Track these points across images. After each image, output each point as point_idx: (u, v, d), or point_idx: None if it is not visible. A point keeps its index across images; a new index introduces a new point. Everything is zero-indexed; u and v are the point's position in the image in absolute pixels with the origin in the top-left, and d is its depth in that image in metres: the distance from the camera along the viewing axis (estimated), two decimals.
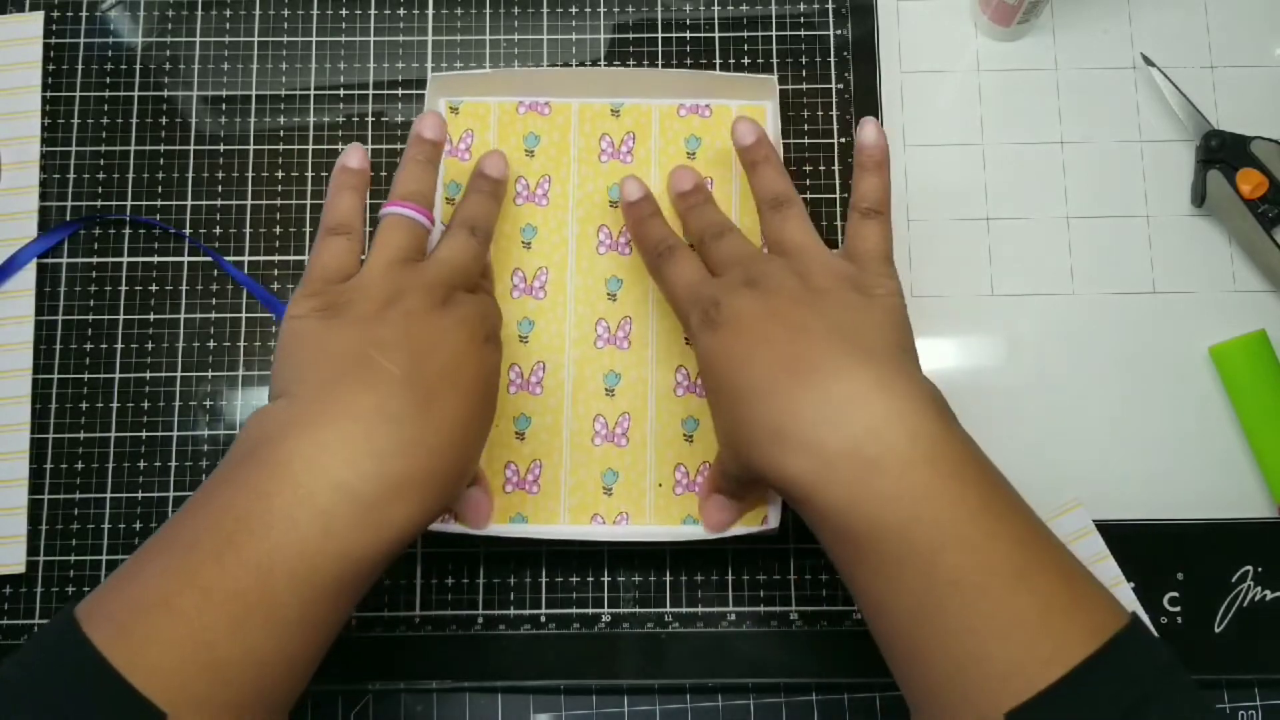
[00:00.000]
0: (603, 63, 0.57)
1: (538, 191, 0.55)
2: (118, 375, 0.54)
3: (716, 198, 0.54)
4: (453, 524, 0.50)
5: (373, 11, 0.58)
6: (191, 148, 0.56)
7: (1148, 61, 0.56)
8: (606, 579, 0.52)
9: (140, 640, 0.34)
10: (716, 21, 0.58)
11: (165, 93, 0.57)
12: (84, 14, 0.58)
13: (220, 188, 0.56)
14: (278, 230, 0.55)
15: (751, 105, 0.55)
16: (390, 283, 0.42)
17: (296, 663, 0.37)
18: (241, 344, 0.54)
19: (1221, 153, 0.54)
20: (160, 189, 0.56)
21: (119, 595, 0.35)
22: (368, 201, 0.46)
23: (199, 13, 0.58)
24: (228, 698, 0.34)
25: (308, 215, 0.56)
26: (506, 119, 0.55)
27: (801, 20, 0.58)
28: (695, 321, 0.44)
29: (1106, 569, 0.52)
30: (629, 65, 0.57)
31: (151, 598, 0.34)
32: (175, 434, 0.53)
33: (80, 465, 0.53)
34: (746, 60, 0.57)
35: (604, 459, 0.52)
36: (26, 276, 0.54)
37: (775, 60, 0.57)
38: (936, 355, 0.54)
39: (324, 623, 0.37)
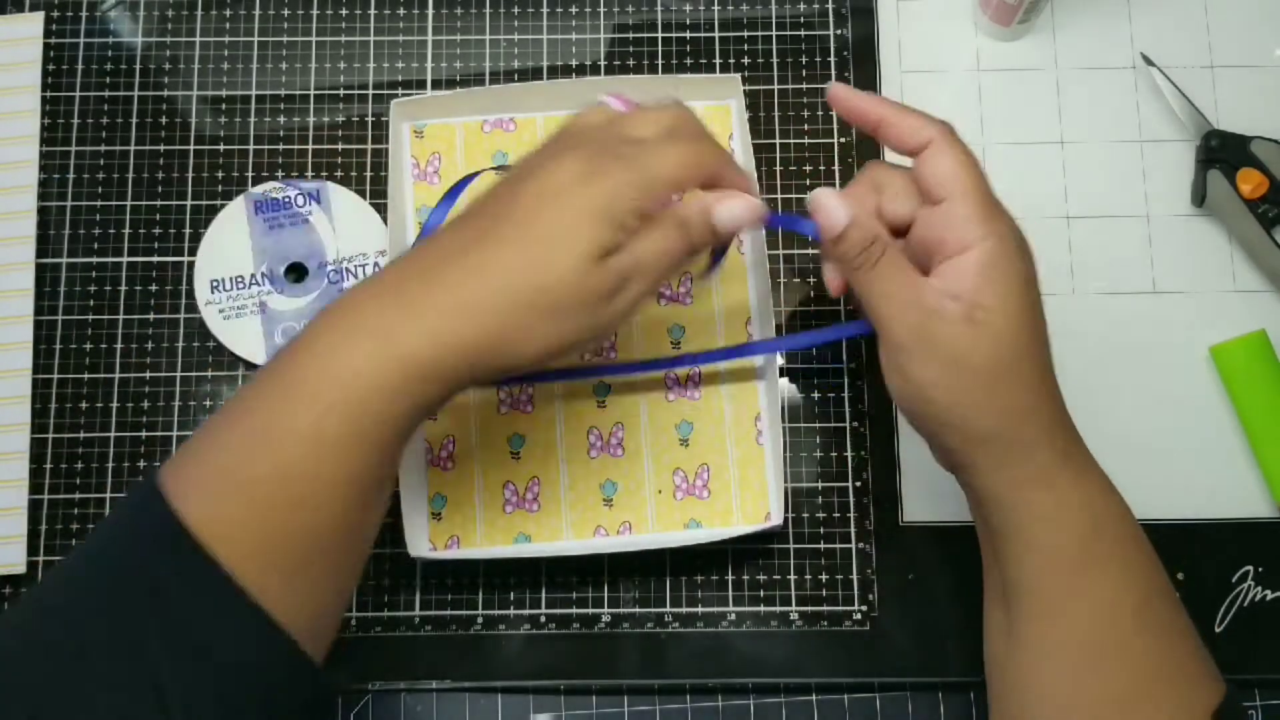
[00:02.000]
0: (603, 64, 0.57)
1: None
2: (117, 375, 0.54)
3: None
4: (456, 549, 0.51)
5: (373, 11, 0.58)
6: (191, 147, 0.56)
7: (1148, 61, 0.56)
8: (606, 579, 0.52)
9: (214, 507, 0.35)
10: (716, 22, 0.58)
11: (165, 93, 0.57)
12: (84, 14, 0.58)
13: (220, 188, 0.56)
14: None
15: (717, 105, 0.55)
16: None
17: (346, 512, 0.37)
18: None
19: (1221, 152, 0.54)
20: (160, 189, 0.56)
21: (199, 463, 0.37)
22: None
23: (199, 13, 0.58)
24: (287, 556, 0.36)
25: None
26: (472, 139, 0.55)
27: (801, 20, 0.58)
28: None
29: None
30: (628, 65, 0.57)
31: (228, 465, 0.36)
32: (175, 434, 0.53)
33: (80, 465, 0.53)
34: (746, 60, 0.57)
35: (601, 470, 0.52)
36: (26, 276, 0.54)
37: (775, 60, 0.57)
38: None
39: (366, 474, 0.37)
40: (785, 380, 0.54)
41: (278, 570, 0.35)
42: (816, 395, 0.54)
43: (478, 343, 0.37)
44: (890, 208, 0.42)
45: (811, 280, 0.55)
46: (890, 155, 0.56)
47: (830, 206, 0.41)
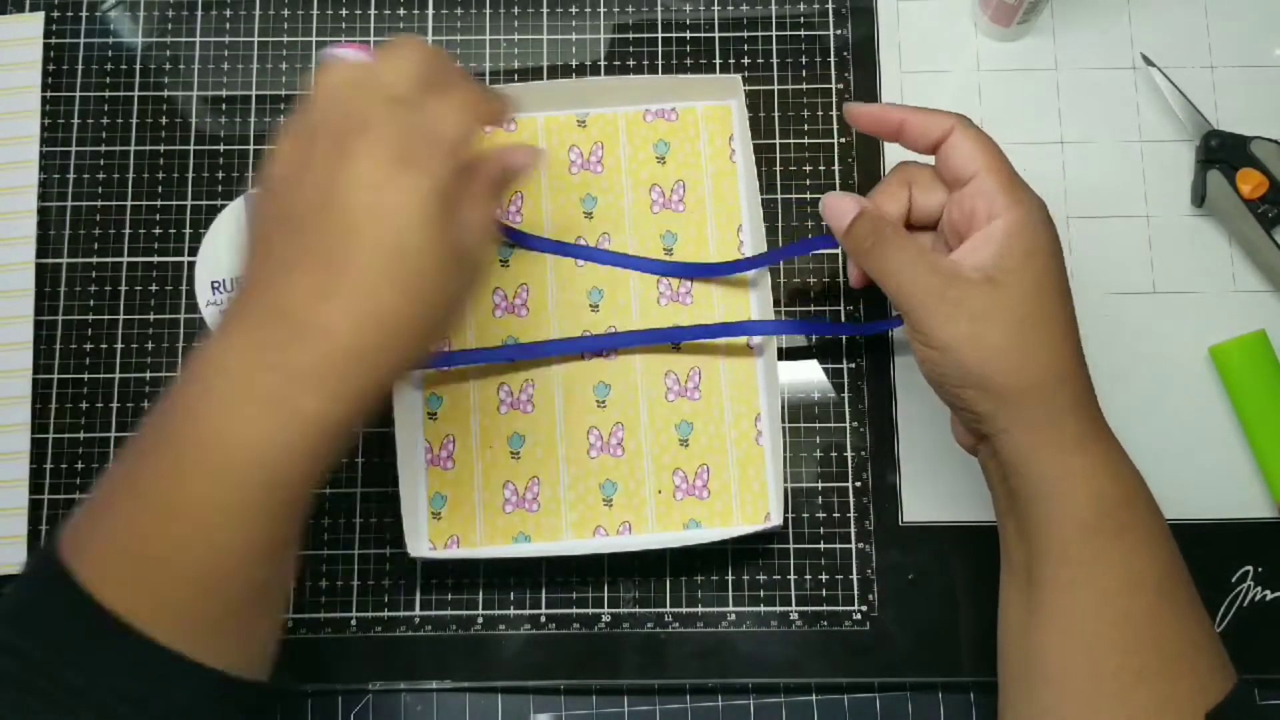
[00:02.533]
0: (603, 64, 0.57)
1: (510, 209, 0.55)
2: (118, 375, 0.54)
3: (688, 202, 0.54)
4: (456, 549, 0.51)
5: (373, 12, 0.58)
6: (191, 148, 0.56)
7: (1148, 61, 0.56)
8: (606, 579, 0.52)
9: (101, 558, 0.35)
10: (716, 22, 0.58)
11: (165, 93, 0.57)
12: (84, 14, 0.58)
13: (220, 188, 0.56)
14: None
15: (717, 105, 0.55)
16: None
17: (245, 555, 0.36)
18: None
19: (1221, 153, 0.54)
20: (160, 189, 0.56)
21: (103, 542, 0.36)
22: None
23: (199, 13, 0.58)
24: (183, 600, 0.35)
25: None
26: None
27: (801, 20, 0.58)
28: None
29: None
30: (628, 65, 0.57)
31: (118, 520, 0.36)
32: None
33: (80, 465, 0.53)
34: (746, 60, 0.57)
35: (601, 470, 0.52)
36: (26, 276, 0.54)
37: (775, 60, 0.57)
38: None
39: (277, 536, 0.36)
40: (785, 381, 0.54)
41: (201, 634, 0.35)
42: (816, 395, 0.54)
43: (366, 382, 0.36)
44: (922, 199, 0.44)
45: (811, 280, 0.55)
46: (894, 156, 0.56)
47: (837, 203, 0.44)
